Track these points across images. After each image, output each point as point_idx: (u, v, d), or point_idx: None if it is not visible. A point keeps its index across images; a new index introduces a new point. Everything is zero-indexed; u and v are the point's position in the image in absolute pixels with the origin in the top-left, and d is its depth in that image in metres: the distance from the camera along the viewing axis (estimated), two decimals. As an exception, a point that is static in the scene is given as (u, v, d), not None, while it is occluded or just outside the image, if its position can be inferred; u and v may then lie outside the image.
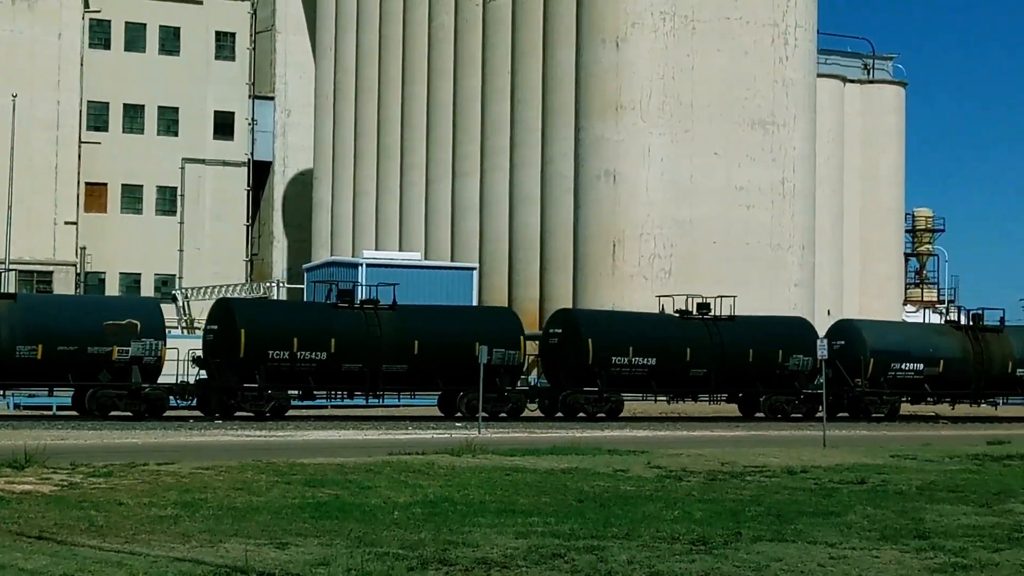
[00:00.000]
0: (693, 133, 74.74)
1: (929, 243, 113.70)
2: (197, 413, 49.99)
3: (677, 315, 57.65)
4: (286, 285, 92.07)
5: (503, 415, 52.40)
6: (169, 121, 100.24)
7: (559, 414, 54.14)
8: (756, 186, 76.10)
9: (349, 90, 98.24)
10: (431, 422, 49.55)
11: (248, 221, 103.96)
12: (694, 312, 57.81)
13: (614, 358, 54.37)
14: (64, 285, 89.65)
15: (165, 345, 48.79)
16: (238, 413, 49.50)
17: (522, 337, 53.40)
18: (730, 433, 46.36)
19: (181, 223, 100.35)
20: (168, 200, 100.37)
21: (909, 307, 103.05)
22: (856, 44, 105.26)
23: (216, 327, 49.96)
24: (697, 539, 17.38)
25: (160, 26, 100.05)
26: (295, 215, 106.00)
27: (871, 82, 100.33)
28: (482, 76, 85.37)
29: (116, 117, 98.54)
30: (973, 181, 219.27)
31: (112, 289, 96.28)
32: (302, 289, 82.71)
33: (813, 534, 18.14)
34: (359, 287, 59.97)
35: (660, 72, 74.66)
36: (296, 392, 51.30)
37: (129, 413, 47.57)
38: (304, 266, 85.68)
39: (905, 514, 20.70)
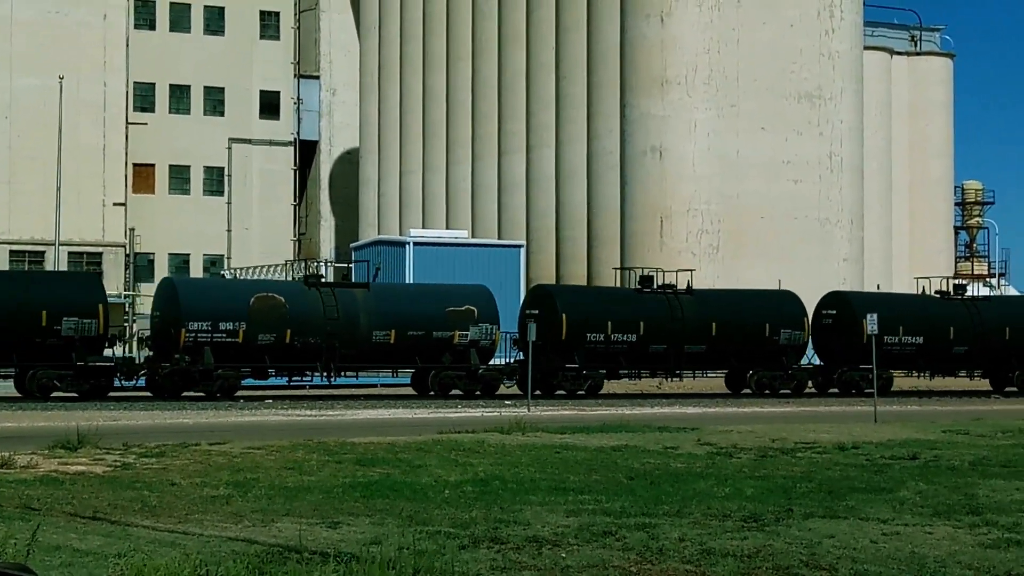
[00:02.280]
0: (739, 108, 74.30)
1: (979, 216, 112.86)
2: (516, 391, 51.95)
3: (938, 295, 60.43)
4: (334, 264, 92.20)
5: (785, 391, 55.17)
6: (215, 101, 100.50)
7: (833, 390, 56.67)
8: (803, 160, 75.63)
9: (394, 68, 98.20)
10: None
11: (295, 200, 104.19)
12: (951, 292, 60.55)
13: (886, 337, 56.36)
14: (113, 266, 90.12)
15: (499, 329, 51.27)
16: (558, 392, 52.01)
17: (806, 319, 56.19)
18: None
19: (229, 203, 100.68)
20: (215, 180, 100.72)
21: (960, 281, 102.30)
22: (903, 16, 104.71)
23: (536, 311, 52.23)
24: (749, 516, 17.33)
25: (204, 6, 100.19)
26: (342, 194, 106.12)
27: (919, 54, 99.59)
28: (527, 52, 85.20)
29: (162, 98, 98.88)
30: (1022, 153, 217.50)
31: (161, 270, 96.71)
32: (350, 268, 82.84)
33: (865, 510, 18.06)
34: (407, 265, 60.13)
35: (705, 46, 74.22)
36: (602, 371, 53.70)
37: (460, 392, 50.29)
38: (351, 244, 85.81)
39: (958, 490, 20.58)
